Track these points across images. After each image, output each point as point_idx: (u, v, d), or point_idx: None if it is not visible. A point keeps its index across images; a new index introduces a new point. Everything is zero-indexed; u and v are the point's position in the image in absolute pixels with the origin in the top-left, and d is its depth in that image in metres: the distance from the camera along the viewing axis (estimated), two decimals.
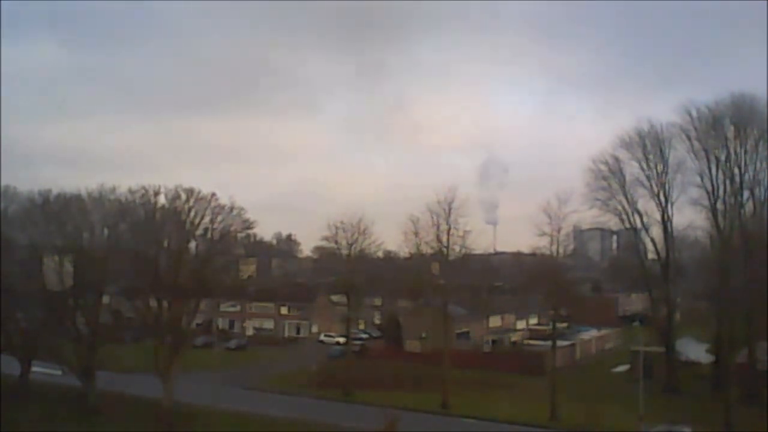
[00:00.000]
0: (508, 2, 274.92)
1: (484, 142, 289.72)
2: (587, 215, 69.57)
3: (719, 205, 63.95)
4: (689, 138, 65.65)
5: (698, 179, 65.18)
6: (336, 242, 66.78)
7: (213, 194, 54.10)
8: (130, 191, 55.05)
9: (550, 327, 65.73)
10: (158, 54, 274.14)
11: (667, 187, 67.66)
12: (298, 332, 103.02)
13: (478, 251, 75.51)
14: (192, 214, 53.45)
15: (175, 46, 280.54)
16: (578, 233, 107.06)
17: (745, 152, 63.53)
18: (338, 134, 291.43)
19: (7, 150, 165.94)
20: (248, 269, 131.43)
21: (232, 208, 54.45)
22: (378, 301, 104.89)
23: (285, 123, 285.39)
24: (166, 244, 52.92)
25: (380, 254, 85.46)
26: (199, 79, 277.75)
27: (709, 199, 64.46)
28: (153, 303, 52.18)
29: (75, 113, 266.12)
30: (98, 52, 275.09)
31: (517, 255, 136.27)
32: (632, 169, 68.87)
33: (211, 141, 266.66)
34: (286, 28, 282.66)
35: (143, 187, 54.11)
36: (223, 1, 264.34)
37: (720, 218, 63.67)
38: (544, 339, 77.43)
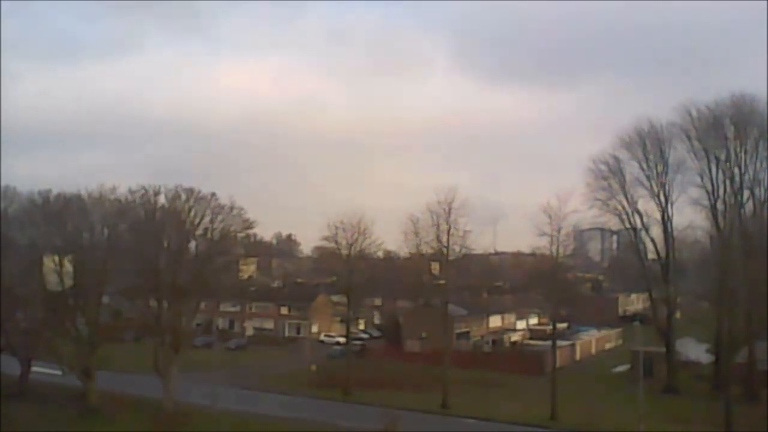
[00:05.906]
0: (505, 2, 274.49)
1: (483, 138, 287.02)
2: (587, 215, 69.64)
3: (719, 205, 64.10)
4: (689, 138, 65.86)
5: (698, 179, 65.49)
6: (336, 242, 66.87)
7: (213, 194, 54.45)
8: (130, 191, 55.19)
9: (550, 327, 65.74)
10: None
11: (667, 187, 67.82)
12: (298, 332, 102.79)
13: (478, 251, 75.63)
14: (192, 214, 53.65)
15: None
16: (578, 233, 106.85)
17: (745, 152, 63.66)
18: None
19: None
20: (248, 269, 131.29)
21: (232, 208, 54.69)
22: (378, 301, 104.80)
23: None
24: (166, 244, 52.98)
25: (380, 254, 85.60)
26: None
27: (709, 199, 64.62)
28: (153, 303, 52.28)
29: None
30: None
31: (517, 255, 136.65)
32: (632, 169, 69.11)
33: None
34: None
35: (143, 187, 54.35)
36: None
37: (720, 218, 63.76)
38: (544, 339, 77.53)
